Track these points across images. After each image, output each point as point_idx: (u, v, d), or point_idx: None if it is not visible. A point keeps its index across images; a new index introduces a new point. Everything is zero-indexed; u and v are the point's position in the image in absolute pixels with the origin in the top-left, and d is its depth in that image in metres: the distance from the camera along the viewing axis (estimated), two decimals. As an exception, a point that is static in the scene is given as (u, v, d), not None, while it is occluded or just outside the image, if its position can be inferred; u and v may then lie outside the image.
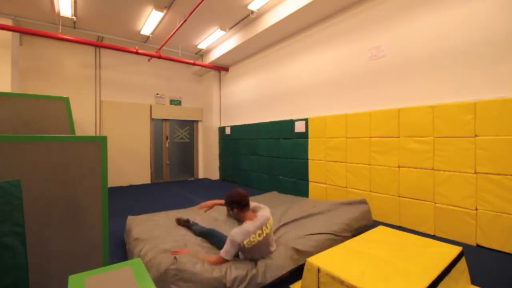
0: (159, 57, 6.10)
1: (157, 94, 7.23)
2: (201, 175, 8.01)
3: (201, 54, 7.22)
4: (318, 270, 1.68)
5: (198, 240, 2.37)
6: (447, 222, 2.89)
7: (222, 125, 7.49)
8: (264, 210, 2.13)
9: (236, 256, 2.00)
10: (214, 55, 6.67)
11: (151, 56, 6.13)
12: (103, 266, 1.50)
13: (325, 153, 4.24)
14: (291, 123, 4.93)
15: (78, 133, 5.82)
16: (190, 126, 7.96)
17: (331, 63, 4.37)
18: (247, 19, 5.14)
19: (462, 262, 1.85)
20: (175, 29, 5.07)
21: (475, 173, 2.69)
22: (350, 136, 3.87)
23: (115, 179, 6.38)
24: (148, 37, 6.00)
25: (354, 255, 1.83)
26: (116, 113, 6.52)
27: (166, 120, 7.45)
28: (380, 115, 3.51)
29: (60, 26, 5.16)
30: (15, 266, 1.13)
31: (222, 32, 5.71)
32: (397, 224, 3.31)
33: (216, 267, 1.82)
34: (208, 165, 7.79)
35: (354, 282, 1.48)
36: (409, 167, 3.21)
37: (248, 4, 4.59)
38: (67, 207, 1.65)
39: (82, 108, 6.11)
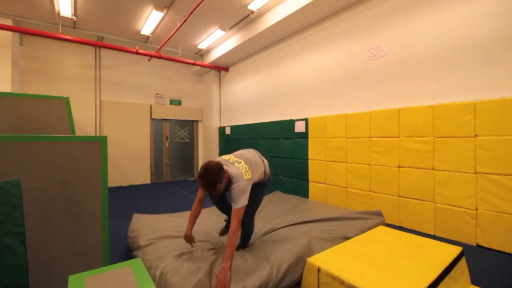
0: (159, 57, 6.10)
1: (157, 94, 7.23)
2: (201, 175, 8.00)
3: (201, 54, 7.22)
4: (318, 270, 1.68)
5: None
6: (447, 222, 2.89)
7: (222, 125, 7.49)
8: (232, 166, 1.96)
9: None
10: (214, 55, 6.67)
11: (151, 56, 6.13)
12: (103, 266, 1.50)
13: (325, 153, 4.24)
14: (291, 123, 4.93)
15: (78, 133, 5.82)
16: (190, 126, 7.96)
17: (331, 63, 4.37)
18: (247, 19, 5.14)
19: (462, 262, 1.85)
20: (175, 29, 5.07)
21: (475, 173, 2.69)
22: (350, 136, 3.87)
23: (115, 179, 6.38)
24: (148, 37, 6.00)
25: (354, 255, 1.83)
26: (116, 113, 6.52)
27: (166, 120, 7.45)
28: (380, 115, 3.51)
29: (60, 26, 5.16)
30: (15, 266, 1.13)
31: (222, 32, 5.71)
32: (397, 224, 3.31)
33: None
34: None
35: (354, 282, 1.48)
36: (409, 167, 3.21)
37: (248, 4, 4.58)
38: (67, 207, 1.65)
39: (82, 108, 6.11)
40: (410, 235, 2.20)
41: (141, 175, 6.86)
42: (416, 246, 1.94)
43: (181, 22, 4.81)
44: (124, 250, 2.63)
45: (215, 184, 1.77)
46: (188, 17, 4.58)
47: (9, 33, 4.81)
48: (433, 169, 3.00)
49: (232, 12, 4.89)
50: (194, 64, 6.67)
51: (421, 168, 3.10)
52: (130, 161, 6.66)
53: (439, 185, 2.95)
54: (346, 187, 3.93)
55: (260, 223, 2.76)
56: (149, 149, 7.02)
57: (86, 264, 1.68)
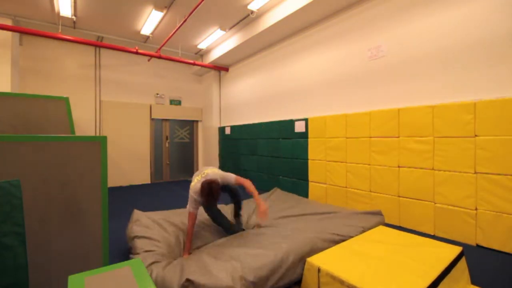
0: (159, 57, 6.10)
1: (157, 94, 7.23)
2: (201, 175, 8.00)
3: (201, 54, 7.22)
4: (318, 270, 1.68)
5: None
6: (447, 222, 2.89)
7: (222, 125, 7.49)
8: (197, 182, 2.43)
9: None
10: (214, 55, 6.67)
11: (151, 56, 6.13)
12: (103, 266, 1.50)
13: (325, 153, 4.24)
14: (291, 123, 4.93)
15: (78, 133, 5.82)
16: (190, 126, 7.96)
17: (331, 63, 4.37)
18: (247, 19, 5.14)
19: (462, 262, 1.85)
20: (175, 29, 5.07)
21: (475, 173, 2.69)
22: (350, 136, 3.87)
23: (115, 179, 6.38)
24: (148, 37, 6.00)
25: (354, 255, 1.83)
26: (116, 113, 6.52)
27: (166, 120, 7.45)
28: (380, 115, 3.51)
29: (60, 26, 5.17)
30: (15, 266, 1.13)
31: (222, 32, 5.71)
32: (397, 224, 3.31)
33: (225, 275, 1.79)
34: (208, 165, 7.78)
35: (354, 282, 1.48)
36: (409, 167, 3.21)
37: (248, 4, 4.58)
38: (67, 207, 1.65)
39: (82, 108, 6.11)
40: (410, 235, 2.20)
41: (141, 175, 6.86)
42: (416, 246, 1.94)
43: (181, 22, 4.81)
44: (124, 250, 2.63)
45: (219, 194, 2.30)
46: (188, 17, 4.58)
47: (9, 33, 4.80)
48: (433, 169, 3.00)
49: (232, 12, 4.89)
50: (194, 64, 6.67)
51: (421, 168, 3.10)
52: (130, 161, 6.66)
53: (439, 185, 2.95)
54: (346, 187, 3.93)
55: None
56: (149, 149, 7.02)
57: (86, 264, 1.68)
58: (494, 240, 2.57)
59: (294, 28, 4.86)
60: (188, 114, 7.77)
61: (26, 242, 1.18)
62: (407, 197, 3.24)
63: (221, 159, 7.31)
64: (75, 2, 4.58)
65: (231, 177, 2.47)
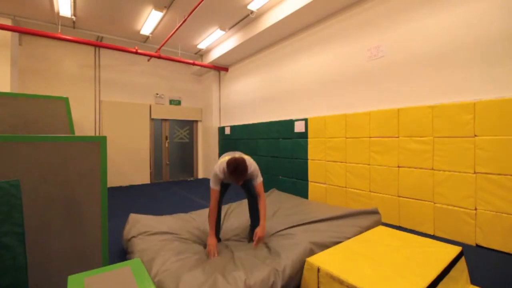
0: (159, 57, 6.10)
1: (157, 94, 7.23)
2: (200, 175, 8.01)
3: (201, 54, 7.22)
4: (318, 269, 1.68)
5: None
6: (447, 222, 2.89)
7: (222, 125, 7.49)
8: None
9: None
10: (213, 55, 6.67)
11: (151, 56, 6.13)
12: (103, 266, 1.50)
13: (325, 153, 4.24)
14: (290, 123, 4.93)
15: (78, 133, 5.82)
16: (189, 126, 7.96)
17: (331, 63, 4.37)
18: (246, 19, 5.14)
19: (462, 262, 1.86)
20: (175, 29, 5.07)
21: (475, 173, 2.70)
22: (350, 136, 3.87)
23: (115, 179, 6.38)
24: (147, 37, 6.00)
25: (353, 255, 1.83)
26: (116, 113, 6.51)
27: (165, 120, 7.45)
28: (380, 115, 3.51)
29: (60, 26, 5.16)
30: (14, 266, 1.13)
31: (222, 32, 5.71)
32: (397, 224, 3.32)
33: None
34: (208, 165, 7.78)
35: (354, 282, 1.48)
36: (409, 167, 3.21)
37: (247, 4, 4.59)
38: (67, 207, 1.65)
39: (82, 108, 6.10)
40: (410, 235, 2.20)
41: (140, 175, 6.86)
42: (416, 246, 1.95)
43: (181, 22, 4.81)
44: (124, 250, 2.63)
45: (245, 174, 2.16)
46: (187, 17, 4.58)
47: (9, 33, 4.80)
48: (432, 169, 3.01)
49: (231, 12, 4.89)
50: (193, 64, 6.67)
51: (421, 168, 3.10)
52: (130, 161, 6.66)
53: (439, 185, 2.95)
54: (345, 187, 3.94)
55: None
56: (148, 149, 7.01)
57: (86, 264, 1.68)
58: (494, 240, 2.57)
59: (294, 28, 4.86)
60: (188, 114, 7.77)
61: (25, 242, 1.18)
62: (406, 197, 3.24)
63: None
64: (74, 2, 4.58)
65: (258, 178, 2.32)
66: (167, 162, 7.48)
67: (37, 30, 4.89)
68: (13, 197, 1.18)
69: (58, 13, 4.84)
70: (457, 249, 1.88)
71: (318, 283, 1.67)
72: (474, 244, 2.69)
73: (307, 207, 3.37)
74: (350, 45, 4.06)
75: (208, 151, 7.70)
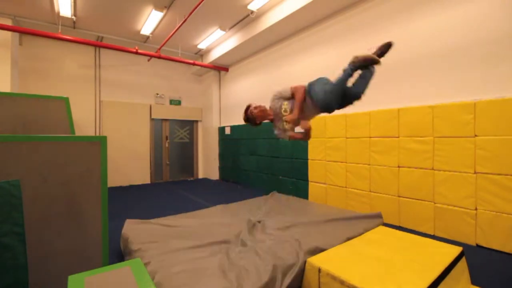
0: (159, 57, 6.10)
1: (157, 94, 7.23)
2: (201, 175, 8.01)
3: (201, 54, 7.22)
4: (319, 270, 1.68)
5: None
6: (447, 222, 2.89)
7: (222, 125, 7.48)
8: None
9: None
10: (214, 55, 6.67)
11: (151, 56, 6.13)
12: (103, 266, 1.50)
13: (325, 153, 4.24)
14: (291, 123, 4.92)
15: (78, 133, 5.81)
16: (190, 126, 7.96)
17: (330, 63, 4.36)
18: (246, 19, 5.14)
19: (462, 262, 1.85)
20: (175, 29, 5.07)
21: (475, 173, 2.69)
22: (350, 136, 3.87)
23: (115, 179, 6.38)
24: (148, 37, 6.00)
25: (354, 255, 1.83)
26: (116, 113, 6.51)
27: (166, 120, 7.45)
28: (380, 115, 3.51)
29: (60, 26, 5.16)
30: (14, 266, 1.13)
31: (222, 32, 5.71)
32: (397, 224, 3.31)
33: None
34: (208, 165, 7.78)
35: (354, 282, 1.48)
36: (409, 167, 3.21)
37: (248, 4, 4.58)
38: (67, 207, 1.65)
39: (82, 108, 6.10)
40: (410, 235, 2.20)
41: (141, 175, 6.86)
42: (416, 246, 1.94)
43: (181, 22, 4.81)
44: (123, 250, 2.62)
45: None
46: (188, 17, 4.58)
47: (9, 33, 4.80)
48: (432, 169, 3.01)
49: (231, 12, 4.89)
50: (194, 64, 6.67)
51: (421, 168, 3.10)
52: (130, 161, 6.66)
53: (439, 185, 2.95)
54: (346, 187, 3.93)
55: (260, 225, 2.69)
56: (149, 149, 7.02)
57: (86, 264, 1.68)
58: (494, 240, 2.57)
59: (294, 28, 4.86)
60: (188, 114, 7.77)
61: (25, 242, 1.18)
62: (407, 197, 3.24)
63: (221, 159, 7.30)
64: (75, 2, 4.58)
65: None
66: (167, 162, 7.48)
67: (37, 30, 4.89)
68: (13, 197, 1.18)
69: (58, 13, 4.84)
70: (457, 249, 1.87)
71: (319, 284, 1.67)
72: (475, 244, 2.69)
73: (309, 210, 3.29)
74: (350, 45, 4.06)
75: (208, 151, 7.70)
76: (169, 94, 7.46)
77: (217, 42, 6.29)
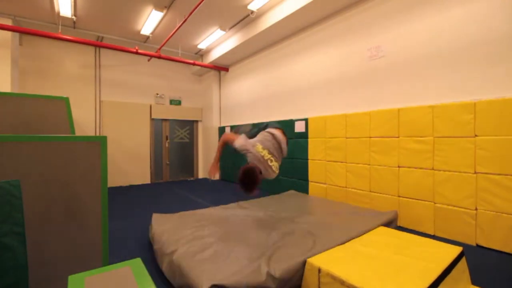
0: (159, 57, 6.10)
1: (157, 94, 7.23)
2: (201, 175, 8.01)
3: (201, 54, 7.22)
4: (319, 270, 1.68)
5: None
6: (447, 222, 2.89)
7: (222, 125, 7.48)
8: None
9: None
10: (214, 55, 6.67)
11: (151, 56, 6.13)
12: (103, 266, 1.50)
13: (325, 153, 4.24)
14: (291, 123, 4.93)
15: (78, 133, 5.82)
16: (190, 126, 7.96)
17: (331, 63, 4.37)
18: (247, 19, 5.14)
19: (463, 262, 1.85)
20: (175, 29, 5.07)
21: (475, 173, 2.69)
22: (350, 136, 3.87)
23: (115, 179, 6.38)
24: (148, 37, 6.00)
25: (354, 256, 1.83)
26: (116, 113, 6.52)
27: (166, 120, 7.45)
28: (380, 115, 3.51)
29: (60, 26, 5.16)
30: (14, 266, 1.13)
31: (222, 32, 5.71)
32: (397, 224, 3.31)
33: None
34: (208, 165, 7.78)
35: (354, 282, 1.48)
36: (409, 167, 3.21)
37: (248, 4, 4.58)
38: (67, 207, 1.65)
39: (82, 108, 6.10)
40: (410, 235, 2.20)
41: (141, 175, 6.86)
42: (416, 246, 1.94)
43: (181, 22, 4.81)
44: (124, 250, 2.63)
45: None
46: (188, 17, 4.58)
47: (9, 33, 4.80)
48: (432, 169, 3.00)
49: (232, 12, 4.89)
50: (194, 64, 6.67)
51: (421, 168, 3.10)
52: (130, 161, 6.66)
53: (439, 185, 2.95)
54: (346, 187, 3.93)
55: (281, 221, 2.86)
56: (149, 149, 7.02)
57: (86, 264, 1.67)
58: (494, 240, 2.57)
59: (294, 28, 4.86)
60: (188, 114, 7.77)
61: (25, 242, 1.18)
62: (407, 197, 3.24)
63: (221, 159, 7.26)
64: (75, 2, 4.58)
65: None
66: (167, 162, 7.48)
67: (37, 30, 4.89)
68: (13, 197, 1.18)
69: (58, 13, 4.84)
70: (457, 249, 1.87)
71: (319, 284, 1.67)
72: (475, 244, 2.69)
73: (327, 206, 3.43)
74: (350, 45, 4.06)
75: (208, 151, 7.70)
76: (169, 94, 7.46)
77: (217, 42, 6.29)
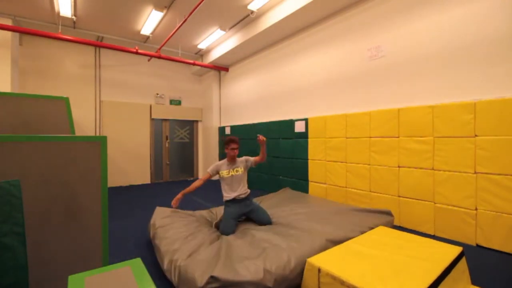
0: (159, 57, 6.10)
1: (157, 94, 7.23)
2: (201, 175, 8.01)
3: (201, 54, 7.22)
4: (319, 270, 1.68)
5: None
6: (447, 222, 2.89)
7: (222, 125, 7.49)
8: (240, 163, 2.95)
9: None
10: (214, 55, 6.67)
11: (151, 56, 6.13)
12: (103, 266, 1.50)
13: (325, 153, 4.24)
14: (291, 123, 4.93)
15: (78, 133, 5.82)
16: (190, 126, 7.96)
17: (331, 63, 4.37)
18: (247, 19, 5.14)
19: (463, 262, 1.85)
20: (175, 29, 5.07)
21: (475, 173, 2.69)
22: (350, 136, 3.87)
23: (115, 179, 6.38)
24: (148, 37, 6.00)
25: (354, 255, 1.83)
26: (116, 113, 6.52)
27: (166, 120, 7.45)
28: (380, 115, 3.51)
29: (60, 26, 5.16)
30: (14, 266, 1.13)
31: (222, 32, 5.71)
32: (397, 224, 3.31)
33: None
34: (208, 165, 7.77)
35: (354, 282, 1.48)
36: (409, 167, 3.21)
37: (248, 4, 4.58)
38: (67, 207, 1.65)
39: (82, 108, 6.10)
40: (410, 235, 2.20)
41: (141, 175, 6.86)
42: (416, 246, 1.94)
43: (181, 22, 4.81)
44: (124, 250, 2.63)
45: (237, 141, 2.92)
46: (188, 17, 4.58)
47: (9, 33, 4.80)
48: (433, 169, 3.00)
49: (232, 12, 4.89)
50: (194, 64, 6.67)
51: (421, 168, 3.10)
52: (130, 161, 6.66)
53: (439, 185, 2.95)
54: (346, 187, 3.93)
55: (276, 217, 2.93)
56: (149, 149, 7.02)
57: (86, 264, 1.67)
58: (494, 240, 2.57)
59: (294, 28, 4.86)
60: (188, 114, 7.77)
61: (25, 242, 1.18)
62: (407, 197, 3.24)
63: (221, 159, 7.29)
64: (75, 2, 4.58)
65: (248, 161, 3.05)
66: (167, 162, 7.48)
67: (37, 30, 4.89)
68: (13, 197, 1.18)
69: (58, 13, 4.84)
70: (457, 249, 1.87)
71: (319, 283, 1.67)
72: (475, 244, 2.69)
73: (320, 204, 3.45)
74: (351, 45, 4.06)
75: (208, 151, 7.70)
76: (169, 94, 7.46)
77: (217, 42, 6.29)
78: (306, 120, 4.62)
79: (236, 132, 6.62)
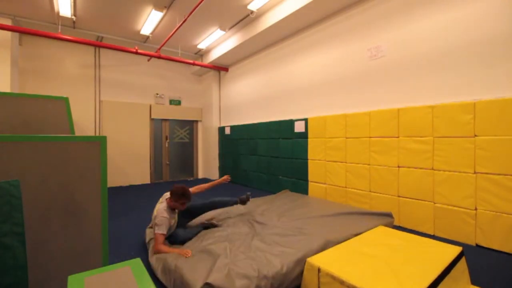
0: (159, 57, 6.10)
1: (157, 94, 7.23)
2: (200, 175, 8.01)
3: (201, 54, 7.22)
4: (319, 270, 1.68)
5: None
6: (447, 222, 2.89)
7: (222, 125, 7.49)
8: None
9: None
10: (213, 55, 6.67)
11: (151, 56, 6.13)
12: (103, 266, 1.50)
13: (325, 153, 4.24)
14: (290, 123, 4.93)
15: (78, 133, 5.81)
16: (189, 126, 7.96)
17: (331, 63, 4.37)
18: (246, 19, 5.14)
19: (462, 262, 1.85)
20: (175, 29, 5.07)
21: (475, 173, 2.70)
22: (350, 136, 3.87)
23: (115, 179, 6.38)
24: (147, 37, 5.99)
25: (354, 255, 1.83)
26: (116, 113, 6.51)
27: (165, 120, 7.45)
28: (380, 115, 3.51)
29: (60, 26, 5.16)
30: (14, 266, 1.13)
31: (222, 32, 5.71)
32: (397, 224, 3.31)
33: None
34: (207, 165, 7.78)
35: (354, 282, 1.48)
36: (409, 167, 3.21)
37: (247, 4, 4.58)
38: (67, 207, 1.65)
39: (82, 108, 6.10)
40: (410, 235, 2.20)
41: (140, 175, 6.85)
42: (416, 246, 1.94)
43: (181, 22, 4.81)
44: (124, 250, 2.63)
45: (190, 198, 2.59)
46: (188, 17, 4.58)
47: (9, 33, 4.80)
48: (432, 169, 3.01)
49: (231, 12, 4.89)
50: (193, 64, 6.67)
51: (421, 168, 3.10)
52: (130, 161, 6.66)
53: (439, 185, 2.95)
54: (345, 187, 3.93)
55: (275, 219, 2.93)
56: (148, 149, 7.01)
57: (86, 264, 1.68)
58: (494, 240, 2.57)
59: (294, 28, 4.86)
60: (188, 114, 7.77)
61: (25, 242, 1.18)
62: (406, 197, 3.24)
63: (221, 159, 7.31)
64: (74, 2, 4.58)
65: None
66: (167, 162, 7.47)
67: (37, 30, 4.88)
68: (13, 197, 1.18)
69: (58, 13, 4.84)
70: (457, 249, 1.87)
71: (319, 283, 1.67)
72: (474, 244, 2.69)
73: (321, 206, 3.45)
74: (350, 45, 4.06)
75: (208, 151, 7.70)
76: (169, 94, 7.46)
77: (217, 42, 6.29)
78: (306, 120, 4.62)
79: (236, 132, 6.63)
